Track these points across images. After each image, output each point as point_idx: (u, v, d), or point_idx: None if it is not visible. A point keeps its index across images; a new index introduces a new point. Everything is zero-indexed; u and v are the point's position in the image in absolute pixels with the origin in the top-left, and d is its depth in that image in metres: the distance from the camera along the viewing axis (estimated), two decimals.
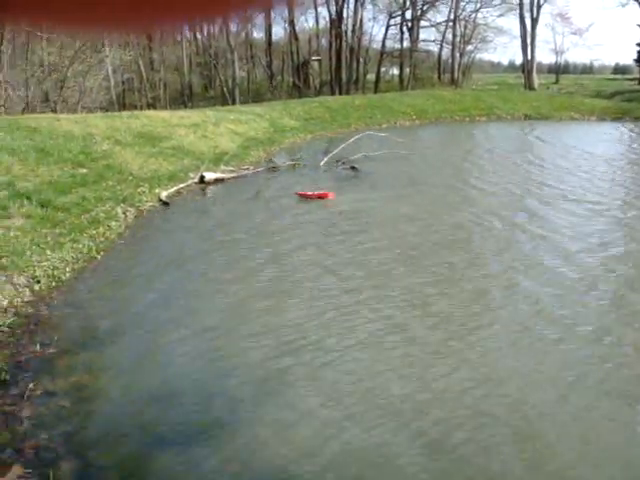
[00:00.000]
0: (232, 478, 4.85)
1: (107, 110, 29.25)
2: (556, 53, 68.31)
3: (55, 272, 8.95)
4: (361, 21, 53.93)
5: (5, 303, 7.76)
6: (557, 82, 63.12)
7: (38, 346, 6.84)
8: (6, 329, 7.22)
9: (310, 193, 14.18)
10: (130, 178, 14.43)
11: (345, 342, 7.00)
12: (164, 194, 14.13)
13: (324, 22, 57.35)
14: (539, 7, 52.70)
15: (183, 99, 46.07)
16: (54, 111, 25.50)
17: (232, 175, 16.98)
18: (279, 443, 5.21)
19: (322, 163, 18.65)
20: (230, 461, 5.01)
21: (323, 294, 8.50)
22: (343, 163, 18.29)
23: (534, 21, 53.46)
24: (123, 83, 40.33)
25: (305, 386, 6.10)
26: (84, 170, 13.90)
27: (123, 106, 37.07)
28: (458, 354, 6.75)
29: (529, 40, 53.69)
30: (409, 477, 4.81)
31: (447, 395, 5.90)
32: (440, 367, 6.45)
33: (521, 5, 52.84)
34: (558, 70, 69.13)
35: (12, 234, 9.78)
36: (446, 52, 62.29)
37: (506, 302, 8.36)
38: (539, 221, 12.29)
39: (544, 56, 70.95)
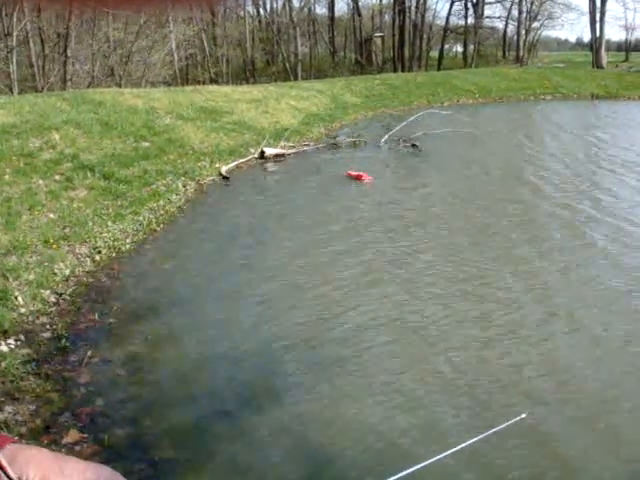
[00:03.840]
0: (282, 448, 4.87)
1: (170, 85, 29.55)
2: (626, 30, 66.44)
3: (116, 243, 9.09)
4: None
5: (67, 272, 7.91)
6: (627, 60, 61.38)
7: (97, 315, 6.96)
8: (67, 297, 7.37)
9: (355, 174, 13.91)
10: (191, 152, 14.55)
11: None
12: (224, 168, 14.21)
13: None
14: None
15: (245, 74, 46.16)
16: (119, 85, 25.87)
17: (292, 151, 16.97)
18: None
19: (383, 140, 18.49)
20: (281, 434, 5.03)
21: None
22: (404, 141, 18.09)
23: None
24: (186, 58, 40.54)
25: None
26: (146, 144, 14.07)
27: (186, 81, 37.30)
28: None
29: (598, 16, 52.20)
30: None
31: None
32: None
33: None
34: (628, 48, 67.20)
35: (75, 205, 9.97)
36: (511, 29, 61.36)
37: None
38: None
39: (614, 33, 69.53)
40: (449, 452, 3.29)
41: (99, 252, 8.73)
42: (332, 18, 55.13)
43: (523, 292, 7.82)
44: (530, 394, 5.52)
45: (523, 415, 3.62)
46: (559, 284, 8.12)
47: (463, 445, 3.32)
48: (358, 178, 13.63)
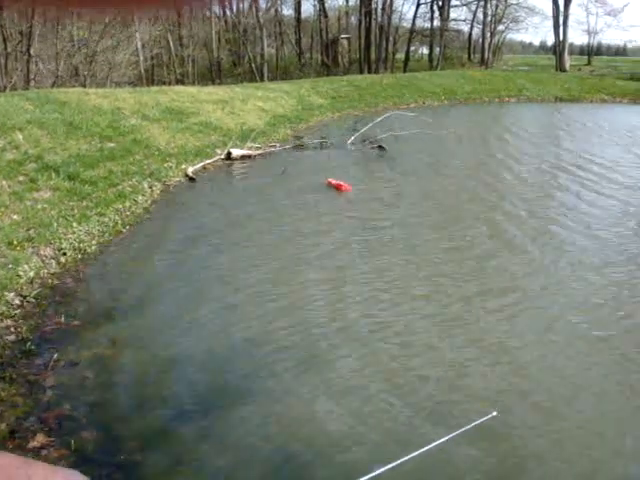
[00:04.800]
0: (250, 448, 4.87)
1: (135, 85, 29.29)
2: (589, 34, 67.50)
3: (81, 245, 9.01)
4: None
5: (32, 274, 7.82)
6: (589, 64, 62.36)
7: (63, 317, 6.90)
8: (32, 300, 7.29)
9: (335, 182, 13.32)
10: (157, 153, 14.46)
11: None
12: (190, 169, 14.15)
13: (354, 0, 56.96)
14: None
15: (211, 75, 45.96)
16: (83, 85, 25.58)
17: (259, 152, 16.94)
18: None
19: (349, 142, 18.55)
20: (249, 435, 5.03)
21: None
22: (370, 142, 18.17)
23: (567, 1, 52.66)
24: (152, 58, 40.22)
25: None
26: (112, 144, 13.95)
27: (151, 81, 37.04)
28: None
29: (561, 20, 52.96)
30: None
31: None
32: None
33: None
34: (590, 52, 68.23)
35: (40, 206, 9.86)
36: (477, 32, 61.94)
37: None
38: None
39: (576, 37, 70.64)
40: (420, 452, 3.32)
41: (64, 254, 8.64)
42: (298, 19, 55.11)
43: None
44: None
45: (494, 413, 3.65)
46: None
47: (433, 445, 3.35)
48: (338, 188, 13.12)
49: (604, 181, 14.15)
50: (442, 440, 3.42)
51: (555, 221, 11.21)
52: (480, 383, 5.82)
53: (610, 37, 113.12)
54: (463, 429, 3.62)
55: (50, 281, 7.91)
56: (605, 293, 7.97)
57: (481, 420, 3.67)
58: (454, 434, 3.54)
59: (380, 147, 17.71)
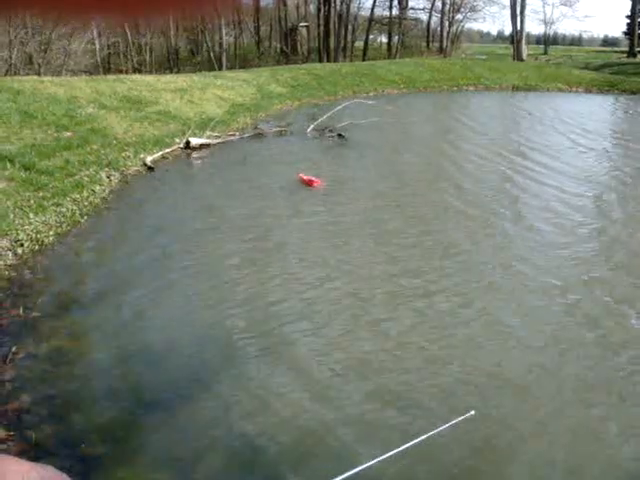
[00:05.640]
0: (212, 438, 4.86)
1: (92, 74, 28.93)
2: (545, 24, 68.14)
3: (38, 235, 8.87)
4: None
5: None
6: (546, 53, 63.17)
7: (21, 310, 6.79)
8: None
9: (306, 178, 12.71)
10: (115, 142, 14.27)
11: None
12: (149, 159, 13.99)
13: None
14: None
15: (169, 64, 45.65)
16: (38, 74, 25.18)
17: (218, 141, 16.83)
18: None
19: (309, 130, 18.54)
20: (211, 425, 5.02)
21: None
22: (330, 131, 18.18)
23: None
24: (108, 47, 39.82)
25: None
26: (68, 134, 13.74)
27: (108, 70, 36.63)
28: None
29: (518, 10, 53.48)
30: None
31: None
32: None
33: None
34: (547, 41, 69.06)
35: None
36: (435, 20, 62.32)
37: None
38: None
39: (533, 27, 71.52)
40: (396, 451, 3.33)
41: (21, 245, 8.50)
42: (257, 7, 54.80)
43: None
44: None
45: (472, 412, 3.68)
46: None
47: (410, 444, 3.37)
48: (310, 184, 12.50)
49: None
50: (419, 440, 3.44)
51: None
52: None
53: (566, 27, 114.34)
54: (440, 428, 3.64)
55: (7, 273, 7.78)
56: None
57: (458, 419, 3.70)
58: (431, 433, 3.55)
59: (339, 135, 17.74)
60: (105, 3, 0.53)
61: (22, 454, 4.45)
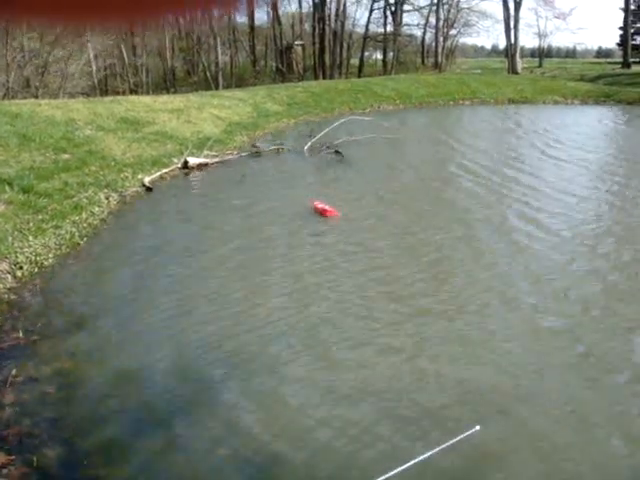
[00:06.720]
0: (219, 459, 4.84)
1: (89, 96, 28.99)
2: (539, 37, 68.36)
3: (38, 258, 8.87)
4: (344, 5, 53.71)
5: None
6: (540, 66, 63.28)
7: (21, 332, 6.79)
8: None
9: (320, 207, 11.60)
10: (113, 164, 14.31)
11: None
12: (147, 179, 14.02)
13: (307, 6, 57.08)
14: None
15: (166, 84, 45.73)
16: (35, 97, 25.24)
17: (216, 160, 16.87)
18: None
19: (306, 148, 18.58)
20: (214, 447, 5.01)
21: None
22: (327, 147, 18.21)
23: (517, 4, 53.53)
24: (105, 69, 39.94)
25: None
26: (66, 156, 13.78)
27: (105, 92, 36.75)
28: None
29: (512, 24, 53.76)
30: None
31: None
32: None
33: None
34: (541, 54, 69.26)
35: None
36: (429, 36, 62.46)
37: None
38: None
39: (527, 40, 71.63)
40: (402, 468, 3.33)
41: (20, 268, 8.51)
42: (252, 26, 55.03)
43: None
44: None
45: (477, 427, 3.67)
46: None
47: (415, 461, 3.37)
48: (323, 213, 11.42)
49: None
50: (425, 456, 3.44)
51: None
52: None
53: (560, 40, 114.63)
54: (446, 444, 3.64)
55: (7, 296, 7.78)
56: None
57: (464, 434, 3.69)
58: (437, 449, 3.55)
59: (337, 152, 17.77)
60: (104, 6, 0.54)
61: (24, 478, 4.44)
